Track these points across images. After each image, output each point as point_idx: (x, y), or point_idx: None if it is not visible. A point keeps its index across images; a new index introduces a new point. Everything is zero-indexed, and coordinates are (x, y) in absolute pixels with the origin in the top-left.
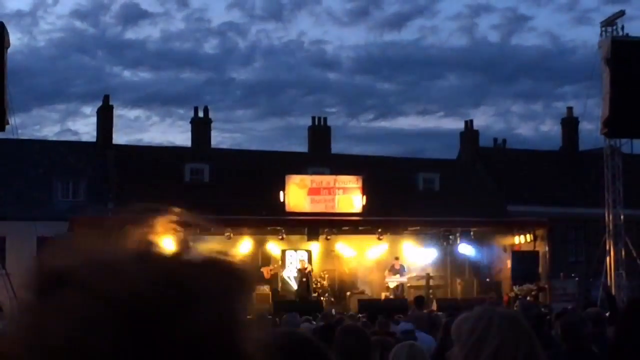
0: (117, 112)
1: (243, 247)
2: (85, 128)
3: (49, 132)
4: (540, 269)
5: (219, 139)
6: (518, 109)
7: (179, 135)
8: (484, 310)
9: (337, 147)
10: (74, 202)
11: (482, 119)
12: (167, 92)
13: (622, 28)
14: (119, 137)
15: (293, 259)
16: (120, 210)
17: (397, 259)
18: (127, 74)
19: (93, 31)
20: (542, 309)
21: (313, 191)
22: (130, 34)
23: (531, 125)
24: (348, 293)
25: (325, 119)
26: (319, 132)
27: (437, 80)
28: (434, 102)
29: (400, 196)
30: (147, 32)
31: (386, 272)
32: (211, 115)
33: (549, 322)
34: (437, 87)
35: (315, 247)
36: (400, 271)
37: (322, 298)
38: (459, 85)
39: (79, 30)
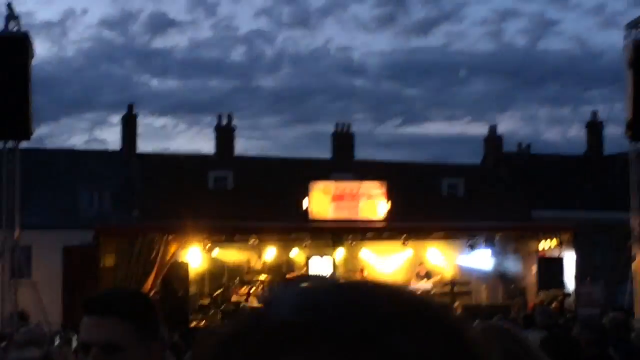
0: (144, 120)
1: (268, 254)
2: (112, 137)
3: (78, 141)
4: (566, 274)
5: (245, 146)
6: (545, 114)
7: (206, 144)
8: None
9: (363, 153)
10: (99, 211)
11: (509, 124)
12: (193, 100)
13: None
14: (146, 146)
15: (318, 265)
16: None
17: (421, 264)
18: (154, 82)
19: (121, 40)
20: (567, 315)
21: (337, 197)
22: (158, 43)
23: (558, 130)
24: None
25: (349, 125)
26: (343, 139)
27: (464, 85)
28: (461, 108)
29: (424, 202)
30: (174, 41)
31: (413, 279)
32: (237, 122)
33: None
34: (464, 93)
35: (340, 253)
36: (426, 276)
37: None
38: (485, 90)
39: (107, 39)
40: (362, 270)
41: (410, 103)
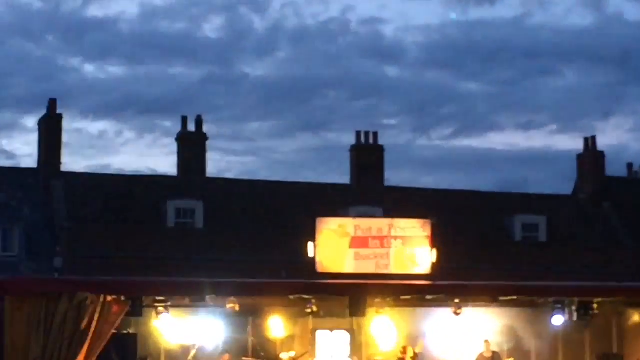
0: (72, 124)
1: (254, 324)
2: (25, 148)
3: None
4: None
5: (222, 164)
6: None
7: (164, 160)
8: None
9: (397, 177)
10: (4, 258)
11: (614, 137)
12: (146, 95)
13: None
14: (75, 162)
15: (328, 343)
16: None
17: (487, 341)
18: (88, 68)
19: (41, 6)
20: None
21: (358, 242)
22: (96, 10)
23: None
24: None
25: (375, 134)
26: (368, 155)
27: (548, 77)
28: (543, 111)
29: (488, 250)
30: (119, 7)
31: None
32: (210, 129)
33: None
34: (549, 89)
35: (361, 325)
36: (494, 359)
37: None
38: (580, 86)
39: (20, 3)
40: (403, 350)
41: (468, 103)
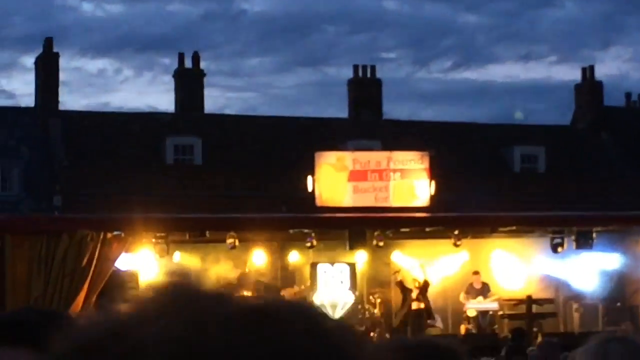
0: (70, 63)
1: (254, 260)
2: (24, 87)
3: None
4: None
5: (220, 101)
6: None
7: (163, 98)
8: (602, 341)
9: (396, 110)
10: (4, 197)
11: (613, 66)
12: (146, 33)
13: None
14: (74, 101)
15: (329, 276)
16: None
17: (476, 273)
18: (86, 6)
19: None
20: None
21: (357, 175)
22: None
23: None
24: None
25: (373, 68)
26: (366, 88)
27: (548, 8)
28: (543, 42)
29: (487, 181)
30: None
31: (462, 295)
32: (209, 65)
33: None
34: (548, 19)
35: (361, 258)
36: (483, 292)
37: (372, 333)
38: (579, 16)
39: None
40: (399, 282)
41: (468, 35)
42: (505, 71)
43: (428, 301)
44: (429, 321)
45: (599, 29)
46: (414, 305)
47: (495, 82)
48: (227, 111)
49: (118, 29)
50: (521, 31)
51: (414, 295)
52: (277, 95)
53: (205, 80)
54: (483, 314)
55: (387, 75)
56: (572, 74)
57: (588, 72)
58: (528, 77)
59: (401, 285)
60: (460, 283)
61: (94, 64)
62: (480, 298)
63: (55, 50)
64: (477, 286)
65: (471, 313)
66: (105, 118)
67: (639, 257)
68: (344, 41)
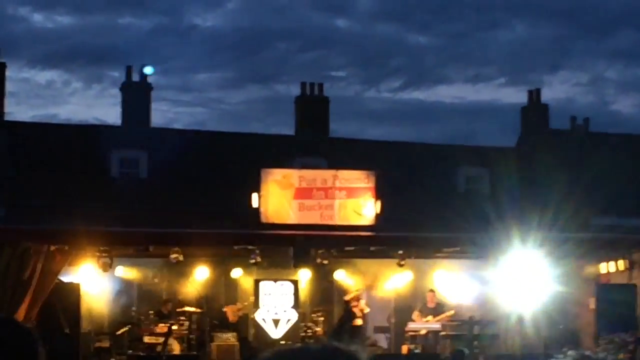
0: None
1: (198, 275)
2: None
3: None
4: (639, 311)
5: (169, 115)
6: (615, 75)
7: (113, 110)
8: None
9: (343, 129)
10: None
11: (561, 90)
12: (96, 45)
13: None
14: (21, 112)
15: (272, 294)
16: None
17: (432, 291)
18: (36, 17)
19: None
20: None
21: (302, 193)
22: None
23: (635, 98)
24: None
25: (321, 85)
26: (313, 106)
27: (498, 30)
28: (492, 64)
29: (432, 201)
30: None
31: (415, 313)
32: (162, 80)
33: None
34: (498, 42)
35: (305, 276)
36: (436, 311)
37: None
38: (528, 39)
39: None
40: (349, 301)
41: (417, 56)
42: (454, 92)
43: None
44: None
45: (547, 52)
46: (357, 322)
47: (444, 103)
48: (176, 126)
49: (68, 40)
50: (470, 53)
51: (358, 314)
52: (226, 111)
53: (155, 94)
54: (431, 333)
55: (336, 94)
56: (520, 96)
57: (534, 94)
58: (477, 98)
59: (346, 303)
60: (405, 302)
61: (43, 76)
62: (430, 317)
63: (1, 60)
64: (431, 305)
65: (416, 332)
66: (51, 130)
67: (581, 280)
68: (294, 58)
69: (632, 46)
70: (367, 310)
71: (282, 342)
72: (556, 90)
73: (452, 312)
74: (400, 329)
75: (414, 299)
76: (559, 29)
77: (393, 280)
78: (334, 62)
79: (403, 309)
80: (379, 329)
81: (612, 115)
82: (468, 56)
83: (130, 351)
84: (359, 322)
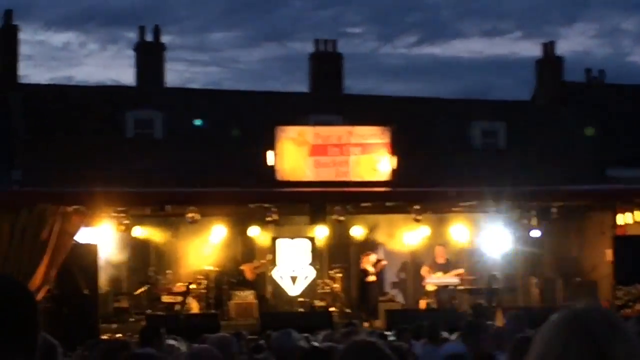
0: (35, 36)
1: (215, 234)
2: None
3: None
4: None
5: (184, 75)
6: (631, 26)
7: (128, 71)
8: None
9: (358, 85)
10: None
11: (577, 42)
12: (111, 7)
13: None
14: (36, 74)
15: (288, 251)
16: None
17: (440, 247)
18: None
19: None
20: None
21: (317, 149)
22: None
23: None
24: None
25: (334, 42)
26: (327, 63)
27: None
28: (508, 18)
29: (448, 156)
30: None
31: (424, 269)
32: (175, 40)
33: None
34: None
35: (322, 232)
36: (446, 267)
37: (332, 308)
38: None
39: None
40: (363, 261)
41: (433, 11)
42: (470, 47)
43: (381, 276)
44: (382, 296)
45: (564, 4)
46: (370, 279)
47: (460, 58)
48: (192, 85)
49: (83, 2)
50: (486, 7)
51: (370, 269)
52: (242, 70)
53: (170, 54)
54: (443, 288)
55: (352, 51)
56: (536, 49)
57: (549, 47)
58: (492, 52)
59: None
60: (421, 258)
61: (58, 38)
62: (439, 274)
63: (15, 23)
64: (440, 261)
65: (430, 288)
66: (65, 91)
67: (598, 232)
68: (310, 16)
69: None
70: (383, 263)
71: (300, 299)
72: (573, 43)
73: (461, 270)
74: (418, 283)
75: (430, 255)
76: None
77: (409, 235)
78: (349, 19)
79: (420, 265)
80: (397, 285)
81: (629, 66)
82: (484, 10)
83: (149, 310)
84: (371, 278)
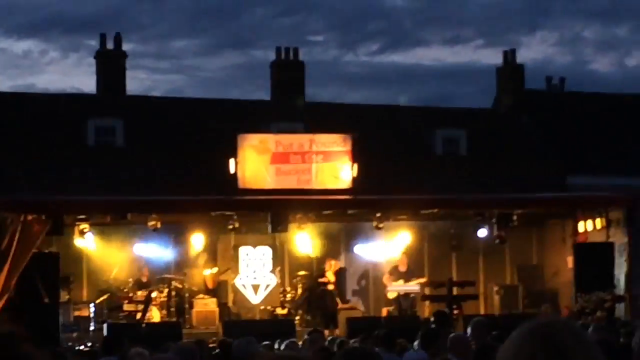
0: None
1: (175, 242)
2: None
3: None
4: (616, 269)
5: (146, 83)
6: (592, 34)
7: (90, 79)
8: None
9: (321, 93)
10: None
11: (538, 51)
12: (73, 14)
13: None
14: (0, 82)
15: (250, 259)
16: None
17: (403, 255)
18: None
19: None
20: (619, 330)
21: (279, 157)
22: None
23: (612, 58)
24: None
25: (296, 50)
26: (288, 70)
27: None
28: (469, 26)
29: (409, 164)
30: None
31: (386, 276)
32: (140, 47)
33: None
34: (475, 3)
35: (283, 241)
36: (407, 275)
37: (295, 316)
38: (506, 1)
39: None
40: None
41: (394, 19)
42: (432, 54)
43: (342, 284)
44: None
45: (525, 13)
46: (329, 287)
47: (422, 66)
48: (154, 93)
49: (44, 9)
50: (448, 15)
51: (330, 278)
52: (204, 78)
53: (131, 62)
54: (404, 296)
55: (314, 59)
56: (497, 57)
57: (509, 55)
58: (454, 60)
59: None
60: (383, 266)
61: (19, 46)
62: (401, 281)
63: None
64: (402, 269)
65: (391, 295)
66: (26, 99)
67: (558, 240)
68: (272, 23)
69: (609, 5)
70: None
71: (262, 307)
72: (534, 51)
73: (424, 279)
74: (380, 291)
75: (392, 263)
76: None
77: (371, 243)
78: (311, 27)
79: (381, 273)
80: (357, 292)
81: (590, 74)
82: (446, 18)
83: (110, 320)
84: (330, 287)
